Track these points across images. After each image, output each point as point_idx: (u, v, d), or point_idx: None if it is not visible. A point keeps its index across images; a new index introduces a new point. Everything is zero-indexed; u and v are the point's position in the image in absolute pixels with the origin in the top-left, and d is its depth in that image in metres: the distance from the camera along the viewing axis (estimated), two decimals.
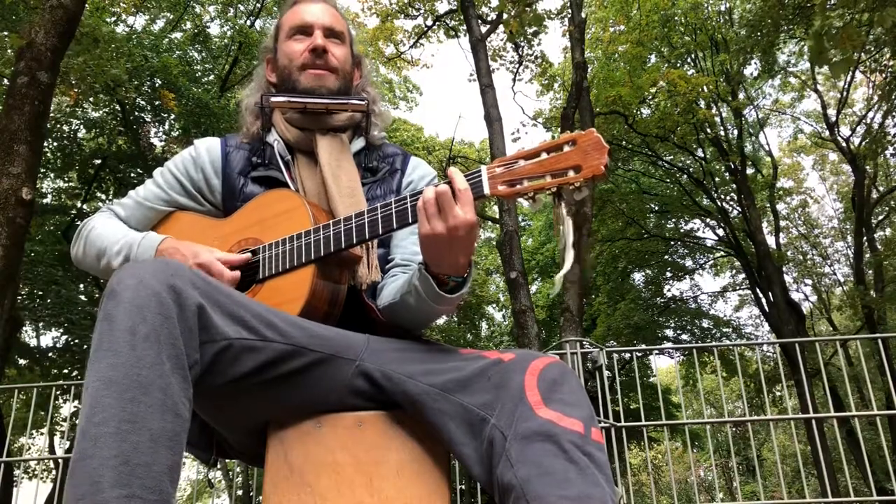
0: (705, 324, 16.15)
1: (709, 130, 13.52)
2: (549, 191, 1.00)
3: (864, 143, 12.70)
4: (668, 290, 16.41)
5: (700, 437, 16.42)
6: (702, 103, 12.07)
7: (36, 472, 12.07)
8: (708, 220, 15.13)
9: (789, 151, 18.80)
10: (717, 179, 14.45)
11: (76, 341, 10.19)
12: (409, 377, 1.04)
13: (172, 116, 10.38)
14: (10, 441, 7.61)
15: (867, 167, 13.20)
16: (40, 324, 10.70)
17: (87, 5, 5.45)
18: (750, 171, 14.27)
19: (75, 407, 8.22)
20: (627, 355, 11.43)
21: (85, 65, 7.49)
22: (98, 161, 10.72)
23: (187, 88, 9.85)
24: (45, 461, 10.30)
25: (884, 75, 11.18)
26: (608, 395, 3.44)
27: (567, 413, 0.94)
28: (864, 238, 13.30)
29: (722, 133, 13.89)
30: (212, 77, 11.76)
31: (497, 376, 1.00)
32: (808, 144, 17.73)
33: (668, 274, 16.28)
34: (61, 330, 10.36)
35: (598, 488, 0.88)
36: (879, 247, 13.90)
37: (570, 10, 8.81)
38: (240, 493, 13.60)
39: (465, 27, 8.68)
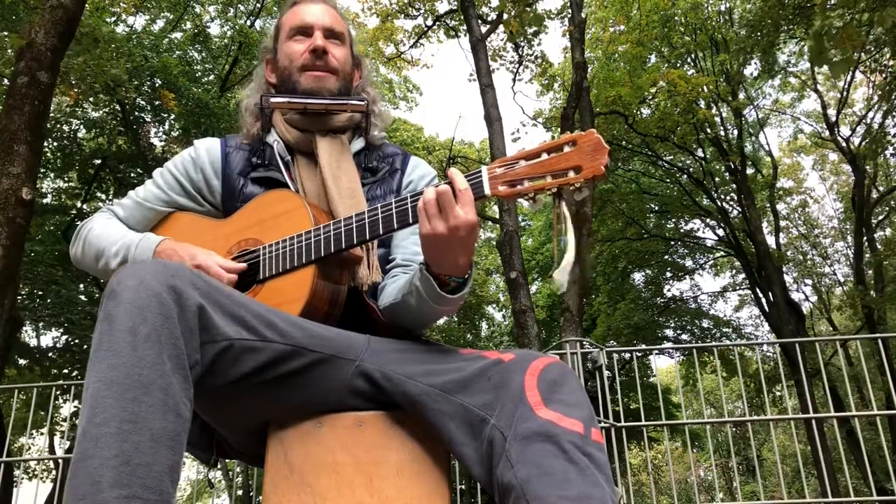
0: (705, 324, 16.16)
1: (709, 130, 13.52)
2: (550, 191, 1.00)
3: (864, 143, 12.70)
4: (668, 290, 16.43)
5: (700, 437, 16.42)
6: (702, 103, 12.07)
7: (36, 472, 12.08)
8: (708, 220, 15.14)
9: (789, 151, 18.81)
10: (717, 179, 14.45)
11: (76, 341, 10.19)
12: (410, 378, 1.04)
13: (172, 116, 10.38)
14: (10, 441, 7.61)
15: (867, 167, 13.20)
16: (40, 324, 10.71)
17: (87, 5, 5.45)
18: (750, 171, 14.27)
19: (75, 407, 8.22)
20: (627, 355, 11.44)
21: (85, 65, 7.49)
22: (98, 161, 10.73)
23: (187, 88, 9.85)
24: (45, 461, 10.30)
25: (884, 75, 11.18)
26: (608, 395, 3.44)
27: (567, 413, 0.94)
28: (864, 238, 13.31)
29: (722, 133, 13.89)
30: (212, 77, 11.76)
31: (497, 376, 1.00)
32: (808, 144, 17.74)
33: (668, 274, 16.28)
34: (61, 330, 10.36)
35: (598, 488, 0.88)
36: (879, 247, 13.90)
37: (570, 10, 8.81)
38: (240, 493, 13.60)
39: (465, 27, 8.68)
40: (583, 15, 8.84)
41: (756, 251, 13.08)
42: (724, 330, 16.01)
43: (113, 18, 10.36)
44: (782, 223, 16.41)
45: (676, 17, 12.56)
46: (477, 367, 1.03)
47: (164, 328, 0.86)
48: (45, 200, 11.01)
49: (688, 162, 14.68)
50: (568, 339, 3.91)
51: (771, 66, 13.53)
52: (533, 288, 17.45)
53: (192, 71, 11.18)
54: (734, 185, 13.88)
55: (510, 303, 7.53)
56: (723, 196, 14.53)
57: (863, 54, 9.97)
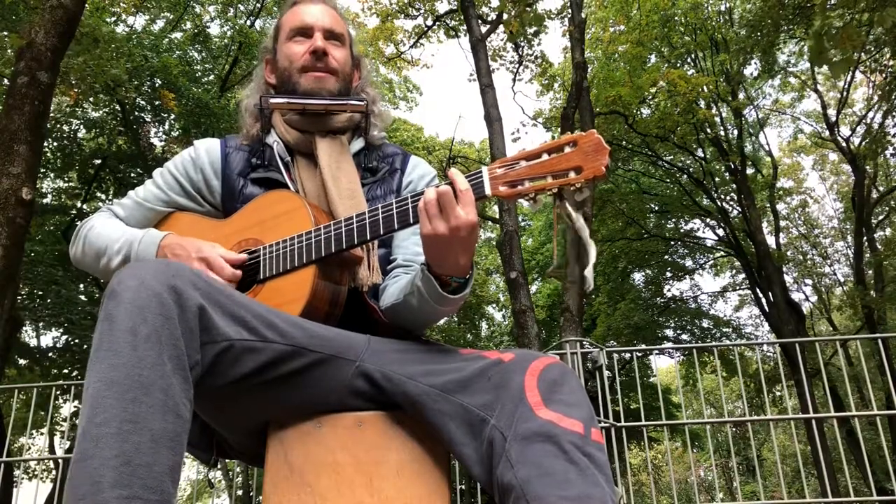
0: (705, 324, 16.16)
1: (709, 130, 13.52)
2: (550, 191, 1.00)
3: (864, 143, 12.70)
4: (668, 290, 16.43)
5: (700, 437, 16.43)
6: (702, 103, 12.07)
7: (36, 472, 12.08)
8: (708, 220, 15.14)
9: (789, 151, 18.81)
10: (717, 179, 14.46)
11: (76, 341, 10.19)
12: (410, 378, 1.04)
13: (172, 116, 10.38)
14: (10, 441, 7.61)
15: (867, 167, 13.20)
16: (40, 324, 10.71)
17: (87, 5, 5.45)
18: (750, 171, 14.28)
19: (75, 407, 8.23)
20: (627, 355, 11.45)
21: (85, 65, 7.49)
22: (98, 161, 10.73)
23: (187, 88, 9.85)
24: (45, 461, 10.30)
25: (884, 75, 11.18)
26: (608, 395, 3.44)
27: (567, 413, 0.94)
28: (864, 238, 13.31)
29: (722, 133, 13.89)
30: (212, 77, 11.76)
31: (497, 377, 1.00)
32: (808, 144, 17.74)
33: (668, 274, 16.29)
34: (61, 330, 10.36)
35: (598, 488, 0.88)
36: (879, 247, 13.90)
37: (570, 10, 8.81)
38: (240, 493, 13.60)
39: (465, 27, 8.68)
40: (583, 15, 8.84)
41: (756, 251, 13.08)
42: (724, 330, 16.02)
43: (113, 18, 10.36)
44: (782, 223, 16.43)
45: (676, 17, 12.56)
46: (477, 367, 1.03)
47: (164, 328, 0.86)
48: (45, 200, 11.01)
49: (688, 162, 14.68)
50: (568, 339, 3.91)
51: (771, 66, 13.54)
52: (533, 288, 17.46)
53: (192, 71, 11.18)
54: (734, 185, 13.89)
55: (510, 303, 7.53)
56: (723, 196, 14.53)
57: (863, 54, 9.97)
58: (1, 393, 7.21)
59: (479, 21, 8.58)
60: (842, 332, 16.50)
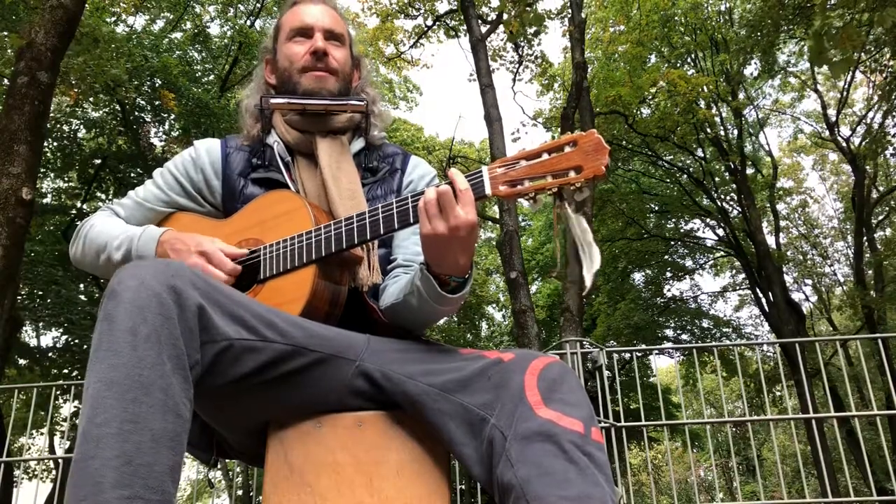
0: (705, 324, 16.16)
1: (709, 130, 13.52)
2: (550, 191, 1.00)
3: (864, 143, 12.70)
4: (668, 290, 16.43)
5: (700, 437, 16.43)
6: (702, 103, 12.07)
7: (36, 473, 12.08)
8: (708, 220, 15.14)
9: (789, 151, 18.81)
10: (717, 179, 14.46)
11: (76, 341, 10.19)
12: (409, 377, 1.04)
13: (172, 116, 10.38)
14: (10, 441, 7.61)
15: (867, 167, 13.20)
16: (40, 324, 10.71)
17: (87, 5, 5.45)
18: (750, 171, 14.28)
19: (75, 407, 8.23)
20: (627, 355, 11.45)
21: (85, 65, 7.49)
22: (98, 161, 10.73)
23: (187, 88, 9.85)
24: (45, 461, 10.30)
25: (884, 75, 11.18)
26: (608, 395, 3.44)
27: (567, 413, 0.94)
28: (864, 238, 13.31)
29: (722, 133, 13.89)
30: (212, 77, 11.76)
31: (497, 376, 1.00)
32: (808, 144, 17.74)
33: (668, 274, 16.29)
34: (61, 330, 10.36)
35: (598, 488, 0.88)
36: (879, 247, 13.90)
37: (570, 10, 8.81)
38: (240, 493, 13.60)
39: (465, 27, 8.68)
40: (583, 15, 8.84)
41: (756, 251, 13.08)
42: (724, 330, 16.02)
43: (113, 18, 10.36)
44: (782, 223, 16.43)
45: (676, 17, 12.56)
46: (477, 366, 1.03)
47: (164, 328, 0.86)
48: (45, 200, 11.01)
49: (688, 162, 14.68)
50: (568, 339, 3.91)
51: (771, 66, 13.54)
52: (533, 288, 17.46)
53: (192, 71, 11.18)
54: (734, 185, 13.89)
55: (510, 303, 7.53)
56: (723, 196, 14.54)
57: (863, 54, 9.97)
58: (1, 393, 7.21)
59: (479, 21, 8.59)
60: (842, 332, 16.50)
